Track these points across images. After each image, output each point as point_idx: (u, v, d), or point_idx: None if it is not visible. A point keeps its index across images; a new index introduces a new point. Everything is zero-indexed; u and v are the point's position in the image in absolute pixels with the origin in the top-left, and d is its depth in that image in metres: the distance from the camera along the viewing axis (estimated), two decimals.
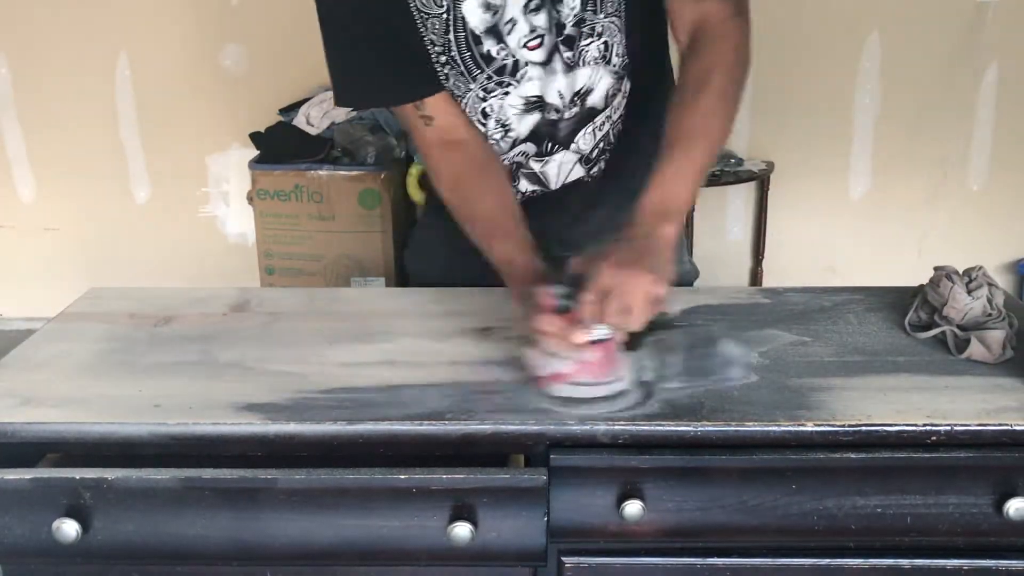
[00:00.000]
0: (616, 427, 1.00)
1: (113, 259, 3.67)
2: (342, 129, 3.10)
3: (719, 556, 1.05)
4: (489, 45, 1.26)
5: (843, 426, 1.00)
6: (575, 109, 1.33)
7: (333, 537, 1.02)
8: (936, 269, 1.23)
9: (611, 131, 1.39)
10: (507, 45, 1.26)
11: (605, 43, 1.28)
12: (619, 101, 1.36)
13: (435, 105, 1.29)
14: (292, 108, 3.26)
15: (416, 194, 3.04)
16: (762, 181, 3.54)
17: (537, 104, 1.32)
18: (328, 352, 1.20)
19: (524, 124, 1.34)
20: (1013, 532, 1.02)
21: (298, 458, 1.02)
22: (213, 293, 1.40)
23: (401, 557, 1.03)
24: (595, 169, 1.41)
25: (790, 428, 1.00)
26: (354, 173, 3.00)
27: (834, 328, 1.24)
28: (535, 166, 1.39)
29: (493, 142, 1.35)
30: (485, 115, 1.33)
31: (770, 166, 3.52)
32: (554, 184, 1.41)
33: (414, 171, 3.02)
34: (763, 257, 3.66)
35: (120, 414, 1.04)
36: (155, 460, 1.02)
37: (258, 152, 3.19)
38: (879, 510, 1.02)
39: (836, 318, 1.27)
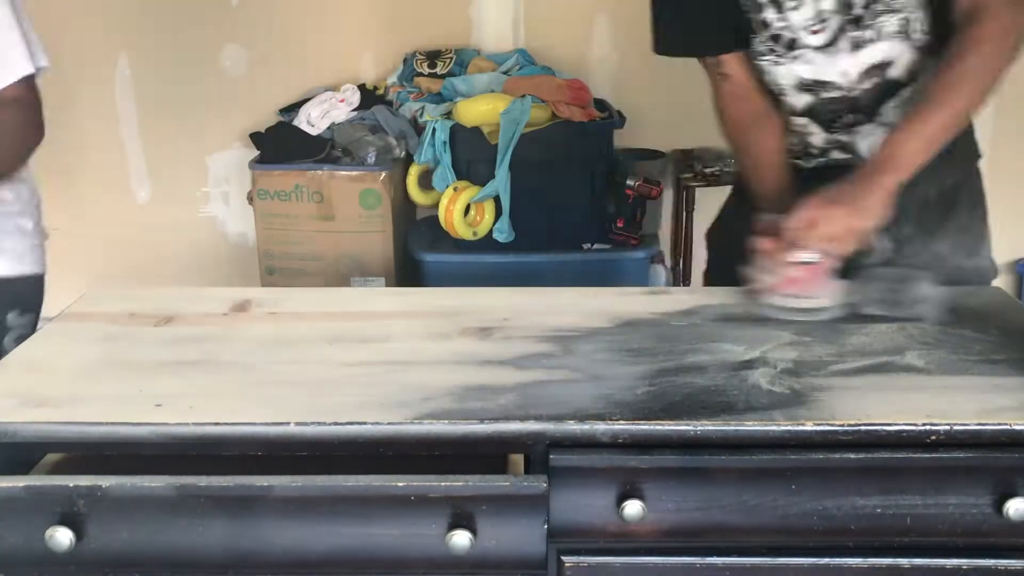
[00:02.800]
0: (616, 427, 1.00)
1: (113, 259, 3.66)
2: (342, 129, 3.09)
3: (719, 556, 1.05)
4: (768, 14, 1.41)
5: (842, 426, 1.00)
6: (866, 85, 1.42)
7: (330, 545, 1.02)
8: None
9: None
10: (787, 19, 1.39)
11: (905, 18, 1.35)
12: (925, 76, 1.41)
13: (731, 65, 1.50)
14: (292, 108, 3.25)
15: (416, 194, 3.03)
16: None
17: (810, 87, 1.45)
18: (328, 352, 1.20)
19: (799, 100, 1.48)
20: (1013, 532, 1.02)
21: (298, 458, 1.02)
22: (213, 293, 1.40)
23: (399, 566, 1.03)
24: None
25: (789, 428, 1.00)
26: (354, 173, 3.00)
27: (834, 328, 1.24)
28: (843, 138, 1.50)
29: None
30: (759, 72, 1.50)
31: None
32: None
33: (414, 171, 3.01)
34: None
35: (120, 414, 1.04)
36: (155, 460, 1.02)
37: (258, 152, 3.19)
38: (878, 510, 1.02)
39: (836, 318, 1.27)
